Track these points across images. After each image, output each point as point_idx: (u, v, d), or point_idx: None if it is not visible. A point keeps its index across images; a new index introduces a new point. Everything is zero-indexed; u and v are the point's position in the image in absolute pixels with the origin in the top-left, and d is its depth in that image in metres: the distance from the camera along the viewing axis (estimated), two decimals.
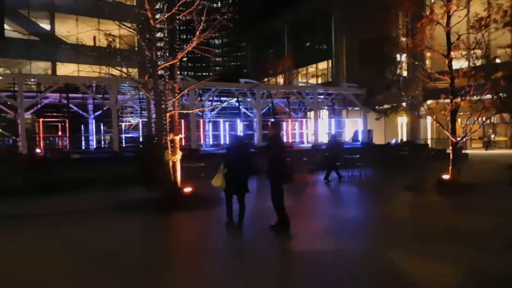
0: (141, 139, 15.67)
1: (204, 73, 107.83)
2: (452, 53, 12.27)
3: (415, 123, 26.38)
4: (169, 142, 10.49)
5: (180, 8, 10.10)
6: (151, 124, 10.26)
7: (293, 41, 43.62)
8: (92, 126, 21.60)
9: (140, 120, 22.10)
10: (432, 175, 13.58)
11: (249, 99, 22.25)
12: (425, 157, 19.92)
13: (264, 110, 25.96)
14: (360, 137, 25.41)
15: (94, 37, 35.99)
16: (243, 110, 25.88)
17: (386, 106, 15.57)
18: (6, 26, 35.39)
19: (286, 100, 24.82)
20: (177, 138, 10.74)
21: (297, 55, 41.33)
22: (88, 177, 13.23)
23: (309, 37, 42.71)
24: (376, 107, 17.68)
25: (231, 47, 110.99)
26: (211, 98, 24.50)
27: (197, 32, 10.02)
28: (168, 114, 10.51)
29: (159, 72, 10.39)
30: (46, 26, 37.42)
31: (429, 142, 27.88)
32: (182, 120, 21.98)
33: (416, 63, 13.18)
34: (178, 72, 24.09)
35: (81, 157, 15.43)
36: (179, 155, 10.61)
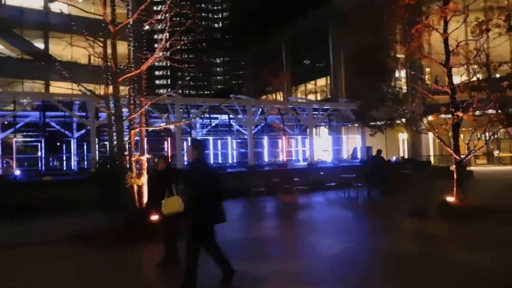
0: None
1: (205, 92, 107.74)
2: (451, 62, 11.13)
3: (416, 139, 25.12)
4: (134, 163, 9.32)
5: (144, 12, 9.03)
6: (112, 143, 9.05)
7: (291, 58, 42.91)
8: (75, 145, 20.51)
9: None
10: (435, 196, 12.25)
11: (240, 116, 21.14)
12: (427, 175, 18.57)
13: (258, 128, 24.92)
14: (359, 155, 24.17)
15: (90, 56, 35.52)
16: (236, 127, 24.80)
17: (382, 121, 14.34)
18: None
19: (280, 116, 23.71)
20: (143, 158, 9.57)
21: (295, 71, 40.56)
22: (56, 200, 12.06)
23: (307, 54, 41.96)
24: (371, 122, 16.46)
25: (231, 65, 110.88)
26: (201, 115, 23.49)
27: (163, 39, 8.92)
28: (133, 132, 9.37)
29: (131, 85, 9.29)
30: (39, 45, 36.86)
31: (431, 159, 26.54)
32: (169, 138, 20.99)
33: (413, 72, 12.00)
34: (160, 89, 23.15)
35: (52, 180, 14.24)
36: (144, 178, 9.41)
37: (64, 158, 20.89)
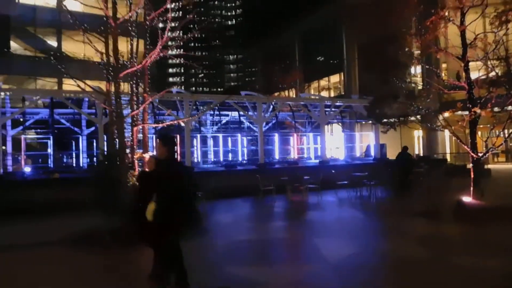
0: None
1: (218, 89, 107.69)
2: (468, 55, 10.58)
3: (432, 136, 24.43)
4: (136, 162, 9.06)
5: (147, 6, 8.75)
6: (113, 140, 8.80)
7: (304, 54, 42.35)
8: (84, 142, 20.43)
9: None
10: (451, 196, 11.74)
11: (250, 113, 20.79)
12: (443, 174, 17.98)
13: (269, 125, 24.54)
14: (372, 152, 23.60)
15: (102, 53, 35.66)
16: (247, 124, 24.47)
17: (394, 118, 13.81)
18: (12, 43, 35.13)
19: (292, 113, 23.28)
20: (146, 156, 9.29)
21: (308, 68, 40.09)
22: (59, 199, 11.89)
23: (320, 50, 41.29)
24: (384, 119, 15.93)
25: (244, 62, 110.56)
26: (211, 112, 23.22)
27: (165, 33, 8.63)
28: (135, 129, 9.12)
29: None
30: (52, 43, 37.07)
31: (447, 156, 25.79)
32: (178, 136, 20.76)
33: (428, 67, 11.45)
34: (179, 87, 22.99)
35: (59, 178, 14.14)
36: None
37: (74, 155, 20.84)
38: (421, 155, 24.43)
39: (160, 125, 10.28)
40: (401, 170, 14.84)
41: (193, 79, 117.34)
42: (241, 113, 21.29)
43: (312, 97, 25.95)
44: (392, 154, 24.05)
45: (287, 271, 6.39)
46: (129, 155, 8.96)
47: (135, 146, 9.06)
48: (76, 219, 10.13)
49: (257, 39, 53.50)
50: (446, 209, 10.76)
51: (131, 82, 9.14)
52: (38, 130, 19.75)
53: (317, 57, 42.16)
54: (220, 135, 22.06)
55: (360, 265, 6.60)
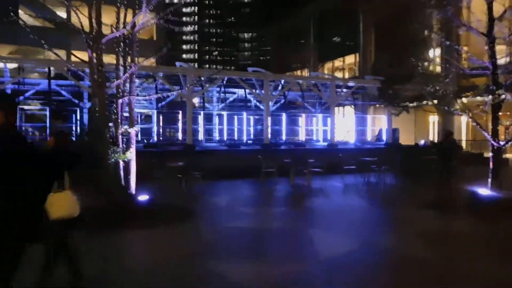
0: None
1: (232, 67, 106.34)
2: (495, 31, 9.44)
3: (447, 121, 23.14)
4: (120, 137, 8.32)
5: None
6: (95, 113, 8.04)
7: (319, 33, 40.77)
8: (86, 116, 19.78)
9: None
10: (465, 186, 10.78)
11: (257, 91, 19.84)
12: (458, 162, 16.87)
13: (278, 104, 23.59)
14: (384, 137, 22.53)
15: (111, 26, 34.97)
16: (254, 103, 23.54)
17: (409, 100, 12.75)
18: (20, 13, 34.52)
19: (301, 93, 22.25)
20: (131, 130, 8.55)
21: (323, 48, 38.77)
22: None
23: (335, 30, 39.64)
24: (397, 101, 14.83)
25: (259, 41, 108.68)
26: (217, 89, 22.35)
27: None
28: (120, 101, 8.34)
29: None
30: (62, 13, 36.34)
31: (463, 144, 24.55)
32: (180, 112, 20.02)
33: (448, 43, 10.31)
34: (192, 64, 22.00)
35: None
36: (132, 152, 8.41)
37: (74, 128, 20.27)
38: (435, 141, 23.20)
39: (148, 97, 9.43)
40: (443, 156, 13.54)
41: (207, 57, 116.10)
42: (248, 90, 20.37)
43: (322, 76, 24.67)
44: (405, 139, 23.01)
45: (267, 269, 5.59)
46: (113, 130, 8.21)
47: (119, 120, 8.28)
48: None
49: (272, 17, 52.08)
50: (460, 202, 9.84)
51: (117, 49, 8.30)
52: (35, 101, 19.15)
53: (332, 37, 40.57)
54: (225, 113, 21.17)
55: (353, 264, 5.78)
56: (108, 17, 8.78)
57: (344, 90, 21.18)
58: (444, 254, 6.32)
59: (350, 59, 38.01)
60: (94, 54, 7.83)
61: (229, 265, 5.64)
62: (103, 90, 7.81)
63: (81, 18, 7.98)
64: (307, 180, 13.53)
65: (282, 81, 21.72)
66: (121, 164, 8.34)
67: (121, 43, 8.51)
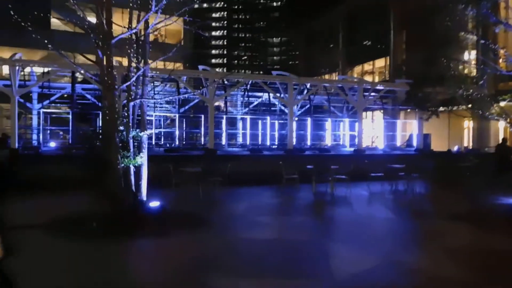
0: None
1: (260, 72, 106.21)
2: None
3: (483, 127, 21.85)
4: (131, 140, 8.03)
5: None
6: (106, 117, 7.79)
7: (348, 36, 39.88)
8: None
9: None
10: (500, 197, 9.92)
11: (281, 95, 19.34)
12: (493, 170, 15.80)
13: (304, 108, 23.01)
14: (414, 143, 21.50)
15: (140, 31, 35.45)
16: (279, 107, 23.03)
17: (441, 104, 11.95)
18: (52, 19, 35.43)
19: (327, 97, 21.58)
20: (143, 134, 8.25)
21: (351, 51, 37.88)
22: (65, 177, 11.13)
23: (365, 32, 38.63)
24: (426, 104, 13.97)
25: (288, 45, 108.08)
26: (241, 93, 22.02)
27: None
28: (131, 104, 8.07)
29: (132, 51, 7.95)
30: (92, 19, 37.08)
31: None
32: (202, 116, 19.75)
33: (483, 41, 9.50)
34: (216, 68, 21.87)
35: (70, 154, 13.47)
36: (143, 157, 8.10)
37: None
38: (470, 147, 21.97)
39: (160, 100, 9.12)
40: (498, 160, 13.68)
41: (236, 61, 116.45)
42: (272, 95, 19.90)
43: (348, 79, 23.80)
44: (438, 145, 21.87)
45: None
46: (124, 134, 7.93)
47: (130, 124, 8.00)
48: (74, 199, 9.31)
49: (301, 21, 51.55)
50: (493, 214, 9.00)
51: (129, 51, 8.04)
52: (58, 105, 19.38)
53: (362, 40, 39.60)
54: (248, 117, 20.72)
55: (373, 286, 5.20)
56: (120, 18, 8.58)
57: (372, 94, 20.35)
58: (473, 274, 5.62)
59: (380, 62, 36.91)
60: (104, 56, 7.58)
61: (233, 283, 5.18)
62: (113, 92, 7.53)
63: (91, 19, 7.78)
64: (330, 187, 12.90)
65: (308, 85, 21.15)
66: (132, 169, 8.04)
67: (134, 45, 8.25)
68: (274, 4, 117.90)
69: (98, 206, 7.88)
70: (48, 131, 19.44)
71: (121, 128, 7.95)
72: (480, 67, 10.32)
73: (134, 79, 7.77)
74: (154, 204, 8.23)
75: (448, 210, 10.17)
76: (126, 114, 8.02)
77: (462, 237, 7.87)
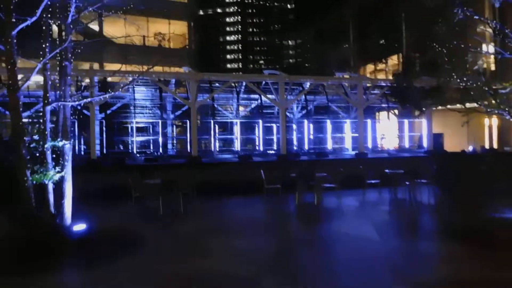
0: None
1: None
2: None
3: (504, 124, 19.70)
4: (48, 152, 6.70)
5: None
6: (15, 124, 6.47)
7: (359, 35, 38.18)
8: (97, 127, 18.62)
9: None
10: None
11: (272, 96, 17.77)
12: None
13: (304, 111, 21.37)
14: (425, 143, 19.55)
15: (144, 37, 34.72)
16: (277, 109, 21.44)
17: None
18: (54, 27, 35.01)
19: (327, 97, 19.92)
20: (65, 144, 6.90)
21: (364, 50, 36.31)
22: None
23: (378, 30, 36.75)
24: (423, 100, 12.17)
25: (303, 47, 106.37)
26: (234, 95, 20.57)
27: None
28: (47, 109, 6.75)
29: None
30: (94, 26, 36.52)
31: None
32: (188, 121, 18.37)
33: (508, 30, 7.74)
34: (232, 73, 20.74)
35: None
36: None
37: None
38: (487, 147, 19.83)
39: (84, 100, 7.74)
40: None
41: (251, 65, 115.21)
42: (264, 96, 18.41)
43: (346, 76, 21.80)
44: (455, 145, 19.73)
45: None
46: (38, 143, 6.61)
47: (46, 132, 6.67)
48: None
49: (313, 22, 50.30)
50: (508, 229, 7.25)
51: (43, 46, 6.72)
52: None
53: (374, 39, 37.74)
54: (238, 121, 19.19)
55: None
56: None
57: (374, 91, 18.58)
58: None
59: (393, 60, 35.07)
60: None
61: None
62: (16, 93, 6.22)
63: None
64: (316, 198, 11.26)
65: (308, 84, 19.52)
66: (51, 186, 6.70)
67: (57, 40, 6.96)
68: (289, 6, 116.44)
69: (10, 229, 6.58)
70: None
71: (36, 137, 6.64)
72: (498, 56, 8.54)
73: (35, 72, 6.40)
74: (79, 227, 6.86)
75: (454, 221, 8.47)
76: (41, 121, 6.70)
77: (456, 262, 6.15)
